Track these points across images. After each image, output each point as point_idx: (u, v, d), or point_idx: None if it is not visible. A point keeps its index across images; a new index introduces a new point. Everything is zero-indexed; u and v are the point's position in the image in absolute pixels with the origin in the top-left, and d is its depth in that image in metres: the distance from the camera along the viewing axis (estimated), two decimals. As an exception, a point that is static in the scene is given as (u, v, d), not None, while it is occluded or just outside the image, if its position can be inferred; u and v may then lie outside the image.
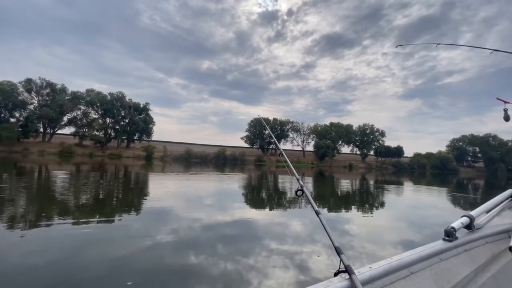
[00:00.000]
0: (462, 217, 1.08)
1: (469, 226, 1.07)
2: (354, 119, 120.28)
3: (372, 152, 72.70)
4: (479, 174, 61.54)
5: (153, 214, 6.60)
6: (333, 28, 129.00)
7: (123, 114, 51.82)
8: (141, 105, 54.66)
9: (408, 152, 74.87)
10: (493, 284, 0.95)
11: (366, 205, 10.40)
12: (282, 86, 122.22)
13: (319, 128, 69.78)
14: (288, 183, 17.26)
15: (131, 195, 9.56)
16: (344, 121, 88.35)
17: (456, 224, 1.02)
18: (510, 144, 69.13)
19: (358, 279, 0.72)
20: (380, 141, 71.45)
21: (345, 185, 19.44)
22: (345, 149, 71.66)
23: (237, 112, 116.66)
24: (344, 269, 0.75)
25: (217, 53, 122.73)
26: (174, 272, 3.43)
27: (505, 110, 1.48)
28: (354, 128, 71.20)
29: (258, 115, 2.29)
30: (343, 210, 8.87)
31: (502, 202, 1.26)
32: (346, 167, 62.16)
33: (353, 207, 9.72)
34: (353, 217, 7.71)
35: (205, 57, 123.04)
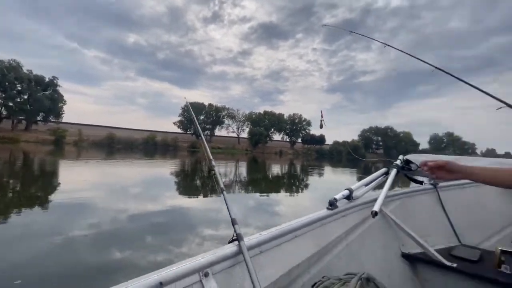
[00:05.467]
0: (344, 190, 1.28)
1: (349, 197, 1.27)
2: (286, 108, 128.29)
3: (299, 140, 79.29)
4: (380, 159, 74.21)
5: (65, 208, 5.66)
6: (270, 17, 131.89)
7: (19, 88, 41.78)
8: (46, 79, 45.10)
9: (329, 140, 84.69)
10: (359, 240, 1.19)
11: (291, 186, 11.34)
12: (218, 71, 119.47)
13: (253, 116, 71.71)
14: (223, 168, 17.27)
15: (35, 187, 7.95)
16: (277, 110, 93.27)
17: (338, 195, 1.21)
18: (401, 135, 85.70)
19: (245, 244, 0.83)
20: (306, 130, 78.35)
21: (275, 169, 20.67)
22: (277, 137, 76.09)
23: (170, 95, 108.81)
24: (235, 238, 0.85)
25: (146, 27, 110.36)
26: (87, 270, 3.04)
27: (321, 121, 1.90)
28: (285, 117, 75.88)
29: (185, 98, 2.11)
30: (270, 191, 9.45)
31: (377, 178, 1.53)
32: (277, 153, 66.24)
33: (275, 186, 10.47)
34: (274, 196, 8.30)
35: (131, 29, 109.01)
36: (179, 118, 63.37)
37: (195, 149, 52.78)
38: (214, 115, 66.48)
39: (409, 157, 1.74)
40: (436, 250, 1.29)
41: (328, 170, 23.40)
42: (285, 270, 0.90)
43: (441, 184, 1.77)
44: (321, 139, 79.82)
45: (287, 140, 79.55)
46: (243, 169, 19.59)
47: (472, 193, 1.84)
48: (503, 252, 1.13)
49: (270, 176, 16.04)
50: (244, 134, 70.76)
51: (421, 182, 1.72)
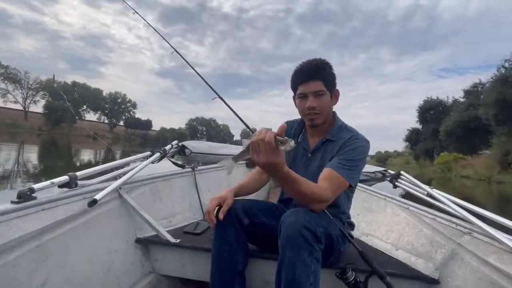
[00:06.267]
0: (64, 175, 1.09)
1: (69, 185, 1.07)
2: (107, 84, 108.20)
3: (122, 123, 69.65)
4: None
5: None
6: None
7: None
8: None
9: (156, 126, 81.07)
10: (73, 233, 1.01)
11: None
12: (-12, 6, 78.28)
13: (55, 85, 53.90)
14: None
15: None
16: (94, 83, 76.35)
17: (43, 183, 0.98)
18: (221, 127, 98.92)
19: None
20: (131, 113, 70.24)
21: (85, 156, 16.53)
22: (91, 116, 62.30)
23: None
24: None
25: None
26: None
27: None
28: (104, 94, 63.57)
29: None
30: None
31: (131, 161, 1.48)
32: (91, 136, 54.23)
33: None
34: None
35: None
36: None
37: None
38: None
39: (186, 143, 1.99)
40: (172, 230, 1.39)
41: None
42: None
43: (199, 167, 1.96)
44: (147, 124, 74.58)
45: (106, 121, 67.25)
46: (32, 155, 14.08)
47: (223, 174, 2.13)
48: None
49: (78, 164, 12.51)
50: (38, 108, 51.57)
51: (182, 166, 1.85)
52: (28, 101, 51.48)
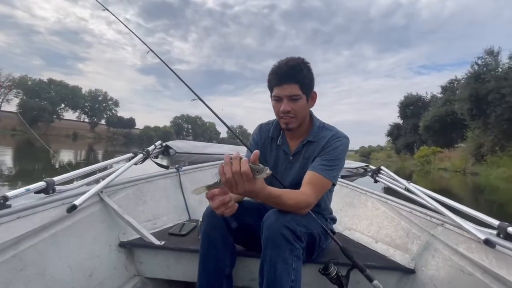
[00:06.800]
0: (41, 181, 1.02)
1: (46, 190, 1.03)
2: (86, 81, 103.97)
3: (103, 122, 67.35)
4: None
5: None
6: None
7: None
8: None
9: (140, 125, 78.98)
10: (51, 241, 0.99)
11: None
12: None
13: (29, 82, 51.21)
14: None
15: None
16: (72, 81, 73.05)
17: (18, 190, 0.94)
18: (207, 124, 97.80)
19: None
20: (113, 111, 68.02)
21: (66, 156, 15.88)
22: (70, 115, 59.83)
23: None
24: None
25: None
26: None
27: None
28: (83, 91, 61.17)
29: None
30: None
31: (113, 163, 1.46)
32: (70, 136, 52.02)
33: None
34: None
35: None
36: None
37: None
38: None
39: (170, 143, 1.96)
40: (157, 232, 1.38)
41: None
42: None
43: (184, 168, 1.95)
44: (130, 123, 72.52)
45: (86, 120, 64.77)
46: (6, 158, 13.33)
47: (209, 174, 2.16)
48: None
49: (58, 165, 11.99)
50: (11, 107, 48.79)
51: (166, 167, 1.82)
52: (0, 100, 48.60)
